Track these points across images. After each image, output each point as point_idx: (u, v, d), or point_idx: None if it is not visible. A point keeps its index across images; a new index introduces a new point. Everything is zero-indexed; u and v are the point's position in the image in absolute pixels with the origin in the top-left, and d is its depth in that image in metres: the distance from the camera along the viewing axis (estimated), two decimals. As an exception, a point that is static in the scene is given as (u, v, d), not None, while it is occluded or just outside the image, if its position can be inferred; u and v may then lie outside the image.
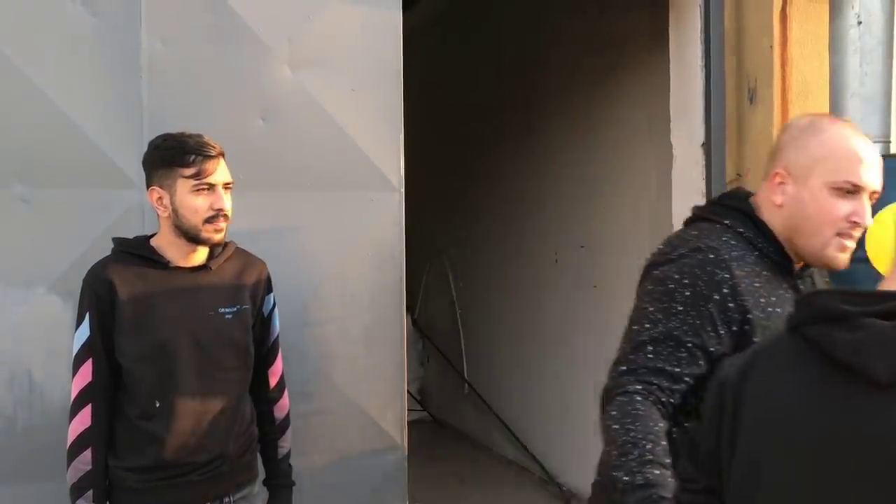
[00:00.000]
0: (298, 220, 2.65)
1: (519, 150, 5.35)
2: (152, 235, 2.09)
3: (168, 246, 2.03)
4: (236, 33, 2.56)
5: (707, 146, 3.40)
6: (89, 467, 1.97)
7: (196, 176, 1.96)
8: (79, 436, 1.97)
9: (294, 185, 2.64)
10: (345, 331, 2.71)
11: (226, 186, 2.02)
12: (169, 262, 2.02)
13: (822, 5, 3.14)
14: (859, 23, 2.95)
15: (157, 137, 2.05)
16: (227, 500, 2.07)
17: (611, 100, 4.45)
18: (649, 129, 4.09)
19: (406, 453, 2.80)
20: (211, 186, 1.97)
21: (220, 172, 2.00)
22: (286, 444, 2.28)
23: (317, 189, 2.67)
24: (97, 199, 2.39)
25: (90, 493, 1.97)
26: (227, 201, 2.00)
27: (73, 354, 2.00)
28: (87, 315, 1.97)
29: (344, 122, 2.68)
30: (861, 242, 2.56)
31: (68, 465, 1.97)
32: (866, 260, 2.49)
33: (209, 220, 1.98)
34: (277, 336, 2.27)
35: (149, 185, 2.03)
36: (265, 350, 2.23)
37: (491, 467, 5.57)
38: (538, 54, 5.12)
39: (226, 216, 2.00)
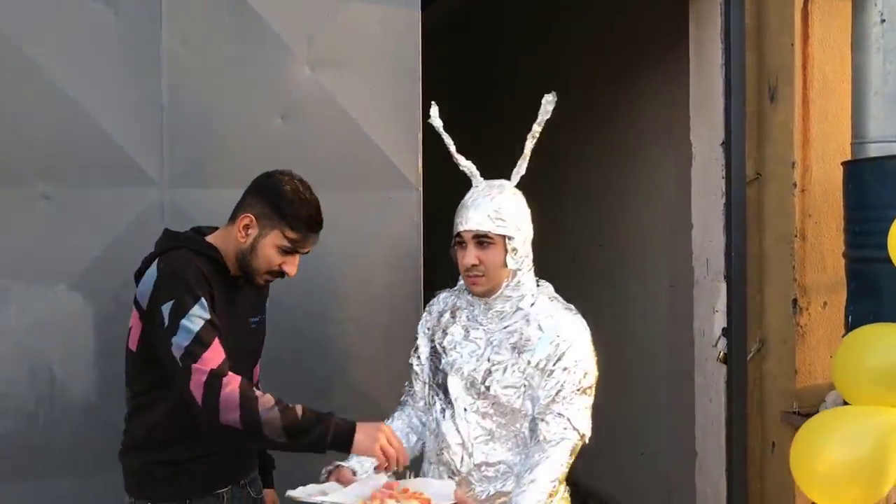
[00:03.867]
0: (317, 219, 2.66)
1: (537, 149, 5.33)
2: (206, 232, 2.07)
3: (226, 254, 2.02)
4: (256, 33, 2.57)
5: (727, 145, 3.38)
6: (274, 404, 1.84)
7: (293, 243, 1.98)
8: (240, 393, 1.82)
9: (313, 183, 2.65)
10: (363, 329, 2.72)
11: (305, 254, 2.05)
12: (230, 269, 2.03)
13: (845, 2, 3.11)
14: (882, 20, 2.92)
15: (284, 176, 2.02)
16: (242, 482, 2.12)
17: (630, 98, 4.43)
18: (668, 127, 4.07)
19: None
20: (295, 255, 2.01)
21: (311, 246, 2.04)
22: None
23: (335, 188, 2.67)
24: (118, 197, 2.41)
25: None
26: (295, 267, 2.03)
27: (185, 340, 1.82)
28: (201, 299, 1.86)
29: (362, 121, 2.69)
30: (884, 244, 2.53)
31: (263, 428, 1.82)
32: (889, 261, 2.47)
33: (270, 273, 2.01)
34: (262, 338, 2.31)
35: (244, 207, 2.00)
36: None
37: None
38: (556, 52, 5.10)
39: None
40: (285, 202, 1.98)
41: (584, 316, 2.16)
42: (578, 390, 1.98)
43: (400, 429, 2.15)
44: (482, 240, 1.99)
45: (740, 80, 3.33)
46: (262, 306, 2.19)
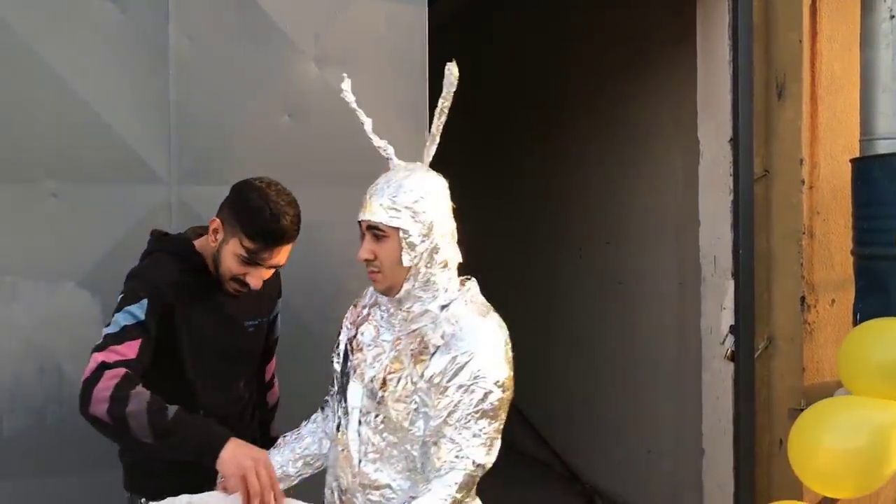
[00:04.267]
0: (323, 216, 2.65)
1: (543, 145, 5.33)
2: (195, 236, 2.07)
3: (207, 257, 2.01)
4: (263, 30, 2.57)
5: (734, 142, 3.37)
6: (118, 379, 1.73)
7: (250, 253, 1.89)
8: (115, 388, 1.72)
9: (319, 181, 2.65)
10: (370, 327, 2.71)
11: (274, 267, 1.95)
12: (212, 273, 2.00)
13: (854, -1, 3.10)
14: (892, 17, 2.91)
15: (258, 183, 1.93)
16: None
17: (637, 94, 4.42)
18: (676, 124, 4.06)
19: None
20: (257, 267, 1.92)
21: (275, 259, 1.92)
22: (277, 427, 2.35)
23: (342, 185, 2.67)
24: (126, 195, 2.41)
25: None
26: (260, 280, 1.92)
27: (109, 331, 1.83)
28: (147, 301, 1.86)
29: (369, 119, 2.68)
30: (892, 241, 2.53)
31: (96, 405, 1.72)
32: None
33: (235, 282, 1.94)
34: (277, 338, 2.33)
35: (218, 210, 1.97)
36: (266, 348, 2.28)
37: (512, 463, 5.55)
38: (563, 48, 5.09)
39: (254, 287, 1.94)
40: (246, 211, 1.88)
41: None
42: (476, 413, 1.67)
43: (313, 432, 2.01)
44: (376, 232, 1.76)
45: (748, 76, 3.32)
46: (268, 308, 2.16)
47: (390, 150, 1.89)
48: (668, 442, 4.22)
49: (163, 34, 2.45)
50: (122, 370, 1.73)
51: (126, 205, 2.41)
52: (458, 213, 1.89)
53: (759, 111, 3.34)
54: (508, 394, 1.73)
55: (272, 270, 1.96)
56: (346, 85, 1.96)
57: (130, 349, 1.79)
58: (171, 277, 1.93)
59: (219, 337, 2.01)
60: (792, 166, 3.24)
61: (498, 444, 1.74)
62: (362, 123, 1.92)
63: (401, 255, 1.74)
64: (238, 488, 1.65)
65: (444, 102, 1.82)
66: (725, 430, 3.46)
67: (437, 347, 1.72)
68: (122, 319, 1.82)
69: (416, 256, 1.75)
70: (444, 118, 1.85)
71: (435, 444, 1.69)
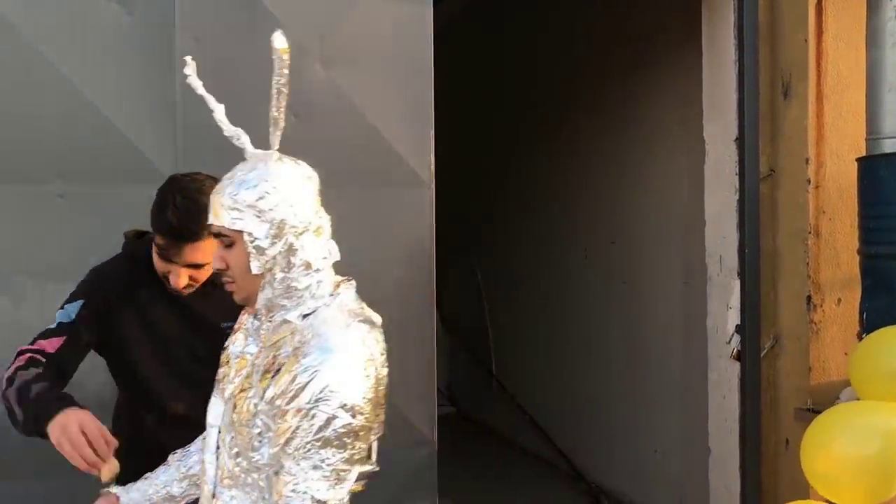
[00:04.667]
0: (329, 217, 2.66)
1: (549, 145, 5.33)
2: None
3: None
4: (269, 32, 2.56)
5: (740, 141, 3.37)
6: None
7: (160, 249, 1.84)
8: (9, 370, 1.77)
9: (325, 182, 2.63)
10: (375, 327, 2.72)
11: (192, 266, 1.85)
12: None
13: (860, -2, 3.10)
14: (898, 15, 2.90)
15: (177, 176, 1.91)
16: None
17: (643, 94, 4.41)
18: (682, 123, 4.06)
19: (436, 448, 2.81)
20: (174, 264, 1.86)
21: (186, 258, 1.83)
22: None
23: (348, 186, 2.68)
24: (132, 196, 2.41)
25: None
26: (183, 280, 1.85)
27: (49, 325, 1.88)
28: (82, 303, 1.89)
29: (375, 120, 2.69)
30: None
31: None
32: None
33: (166, 280, 1.90)
34: None
35: None
36: None
37: (519, 463, 5.56)
38: (568, 48, 5.09)
39: (188, 286, 1.88)
40: (155, 205, 1.84)
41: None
42: (317, 441, 1.40)
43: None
44: (222, 238, 1.52)
45: (754, 76, 3.31)
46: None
47: (244, 139, 1.62)
48: (674, 441, 4.22)
49: (169, 36, 2.46)
50: (26, 356, 1.77)
51: (132, 206, 2.42)
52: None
53: (764, 111, 3.34)
54: (363, 420, 1.45)
55: (196, 271, 1.87)
56: (191, 69, 1.74)
57: (51, 345, 1.82)
58: (121, 278, 1.94)
59: (184, 336, 1.96)
60: (798, 165, 3.23)
61: (351, 477, 1.47)
62: (212, 111, 1.74)
63: (249, 263, 1.49)
64: (67, 454, 1.58)
65: (280, 80, 1.59)
66: (731, 429, 3.46)
67: (283, 365, 1.46)
68: (59, 316, 1.88)
69: (267, 261, 1.49)
70: (283, 99, 1.61)
71: (276, 474, 1.45)
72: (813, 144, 3.21)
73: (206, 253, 1.80)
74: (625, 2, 4.46)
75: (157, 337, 1.96)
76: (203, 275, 1.89)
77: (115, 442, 1.60)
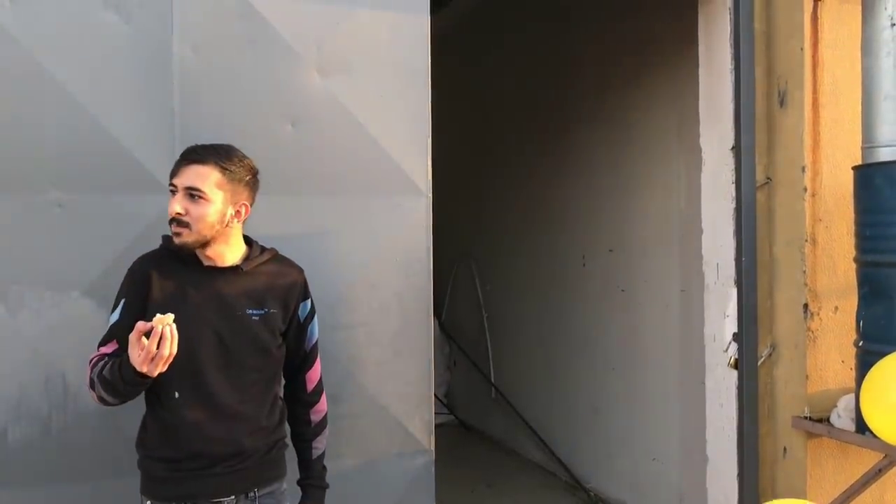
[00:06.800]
0: (326, 225, 2.67)
1: (547, 153, 5.34)
2: None
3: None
4: (266, 40, 2.58)
5: (737, 149, 3.38)
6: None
7: (170, 177, 2.01)
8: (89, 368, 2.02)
9: (322, 190, 2.66)
10: (373, 335, 2.72)
11: (190, 191, 1.98)
12: (202, 261, 2.06)
13: (855, 6, 3.11)
14: (893, 24, 2.92)
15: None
16: (251, 494, 2.10)
17: (640, 102, 4.43)
18: (678, 131, 4.07)
19: (434, 457, 2.80)
20: (173, 190, 2.00)
21: (184, 176, 1.98)
22: (320, 445, 2.30)
23: (345, 194, 2.68)
24: (130, 205, 2.43)
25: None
26: (177, 206, 1.98)
27: (108, 325, 2.05)
28: (123, 301, 2.05)
29: (372, 128, 2.70)
30: (895, 248, 2.53)
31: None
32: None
33: (170, 223, 2.01)
34: (315, 343, 2.27)
35: None
36: (301, 355, 2.25)
37: (517, 471, 5.56)
38: (566, 57, 5.11)
39: (180, 223, 1.98)
40: None
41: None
42: None
43: None
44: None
45: (750, 84, 3.33)
46: (273, 301, 2.12)
47: None
48: (672, 449, 4.22)
49: (166, 45, 2.47)
50: (93, 362, 2.01)
51: (130, 214, 2.43)
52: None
53: (761, 119, 3.35)
54: None
55: (191, 203, 1.98)
56: None
57: (108, 349, 2.03)
58: (158, 257, 2.08)
59: (211, 318, 2.03)
60: (794, 174, 3.24)
61: None
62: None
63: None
64: (145, 356, 1.82)
65: None
66: (729, 437, 3.46)
67: None
68: (110, 319, 2.07)
69: None
70: None
71: None
72: (809, 153, 3.22)
73: (205, 181, 1.98)
74: (622, 12, 4.47)
75: (198, 315, 2.03)
76: (196, 212, 1.98)
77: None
